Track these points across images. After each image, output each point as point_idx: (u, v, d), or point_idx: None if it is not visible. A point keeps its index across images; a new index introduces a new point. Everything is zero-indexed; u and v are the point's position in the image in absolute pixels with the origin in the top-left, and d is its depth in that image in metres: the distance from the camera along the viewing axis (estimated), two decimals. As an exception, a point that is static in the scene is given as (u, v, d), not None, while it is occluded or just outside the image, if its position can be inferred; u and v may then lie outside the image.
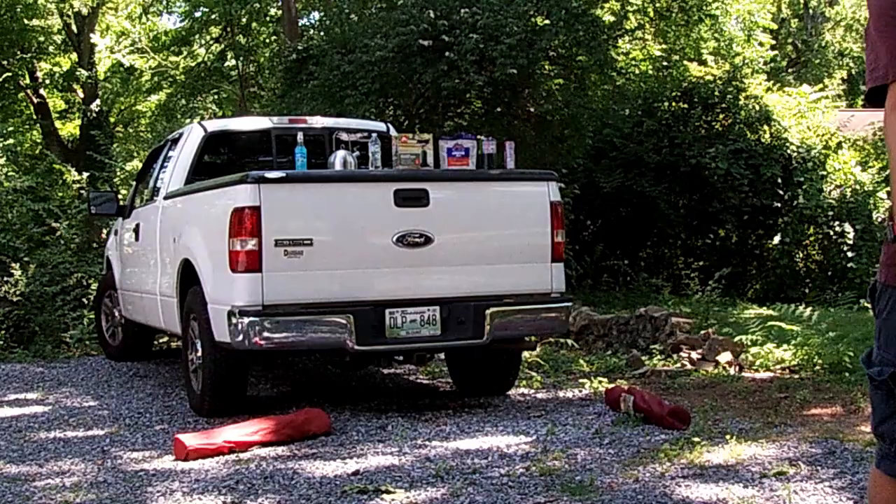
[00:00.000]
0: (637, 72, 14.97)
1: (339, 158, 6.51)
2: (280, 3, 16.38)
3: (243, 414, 6.40)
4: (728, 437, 5.39)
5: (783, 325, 8.17)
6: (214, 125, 8.11)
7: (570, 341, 8.96)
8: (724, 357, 7.65)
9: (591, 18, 12.12)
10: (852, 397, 6.15)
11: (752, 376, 7.24)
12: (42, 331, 10.29)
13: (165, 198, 7.52)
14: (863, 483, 4.46)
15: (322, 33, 14.37)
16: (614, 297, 11.46)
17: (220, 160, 8.54)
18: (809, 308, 9.38)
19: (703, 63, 15.68)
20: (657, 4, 14.64)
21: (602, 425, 5.78)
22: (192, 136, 7.69)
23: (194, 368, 6.58)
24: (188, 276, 6.61)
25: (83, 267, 11.18)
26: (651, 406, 5.68)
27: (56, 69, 22.17)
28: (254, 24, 18.48)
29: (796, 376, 7.04)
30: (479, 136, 6.85)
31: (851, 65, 28.10)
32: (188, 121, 13.04)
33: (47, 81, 21.85)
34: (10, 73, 19.71)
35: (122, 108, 22.41)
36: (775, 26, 22.39)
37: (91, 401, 7.32)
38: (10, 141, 15.78)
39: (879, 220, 12.95)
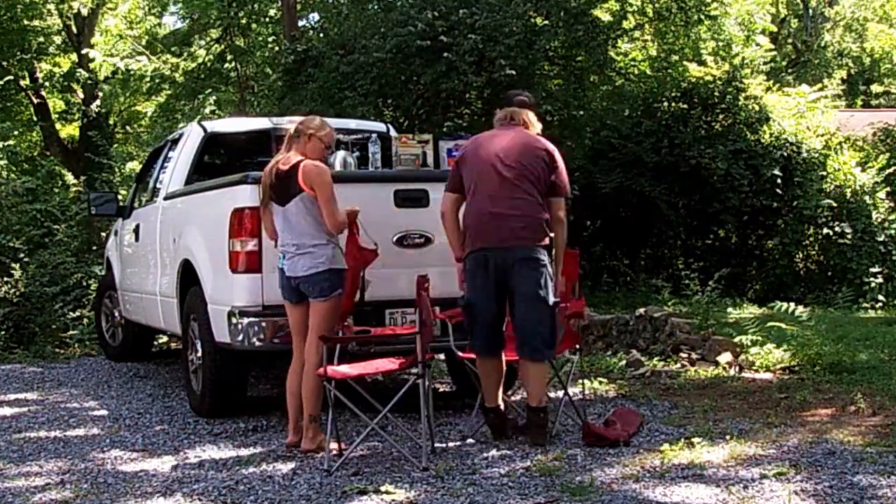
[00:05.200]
0: (636, 72, 14.97)
1: (339, 159, 6.51)
2: (280, 4, 16.37)
3: (243, 414, 6.42)
4: (728, 437, 5.40)
5: (783, 325, 8.17)
6: (214, 125, 8.11)
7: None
8: (724, 357, 7.65)
9: (590, 19, 12.12)
10: (852, 398, 6.15)
11: (751, 376, 7.24)
12: (42, 331, 10.30)
13: (165, 198, 7.52)
14: (863, 483, 4.47)
15: (321, 35, 14.37)
16: (614, 298, 11.46)
17: (220, 160, 8.54)
18: (809, 308, 9.38)
19: (702, 63, 15.67)
20: (656, 5, 14.63)
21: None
22: (191, 137, 7.69)
23: (194, 369, 6.59)
24: (188, 277, 6.62)
25: (83, 267, 11.18)
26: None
27: (56, 70, 22.16)
28: (253, 26, 18.48)
29: (796, 376, 7.03)
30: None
31: (851, 65, 28.10)
32: (185, 123, 13.03)
33: (47, 83, 21.84)
34: (11, 77, 19.70)
35: (122, 108, 22.41)
36: (775, 28, 22.39)
37: (91, 401, 7.32)
38: (11, 142, 15.77)
39: (879, 220, 12.95)
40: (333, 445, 5.22)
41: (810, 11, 27.74)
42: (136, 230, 8.24)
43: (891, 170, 13.46)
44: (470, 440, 5.61)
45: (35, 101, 21.53)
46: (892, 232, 12.90)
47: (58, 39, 21.64)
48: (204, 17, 18.38)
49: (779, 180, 12.53)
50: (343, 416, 6.14)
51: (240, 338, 5.82)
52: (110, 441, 5.89)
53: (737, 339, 7.83)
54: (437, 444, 5.43)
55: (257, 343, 5.79)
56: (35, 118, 21.97)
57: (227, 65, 17.66)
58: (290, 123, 7.78)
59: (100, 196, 9.38)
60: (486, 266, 5.40)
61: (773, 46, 21.22)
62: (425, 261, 6.04)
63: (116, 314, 9.29)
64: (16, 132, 20.57)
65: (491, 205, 5.41)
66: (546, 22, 11.89)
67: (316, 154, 5.47)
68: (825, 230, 12.67)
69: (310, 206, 5.29)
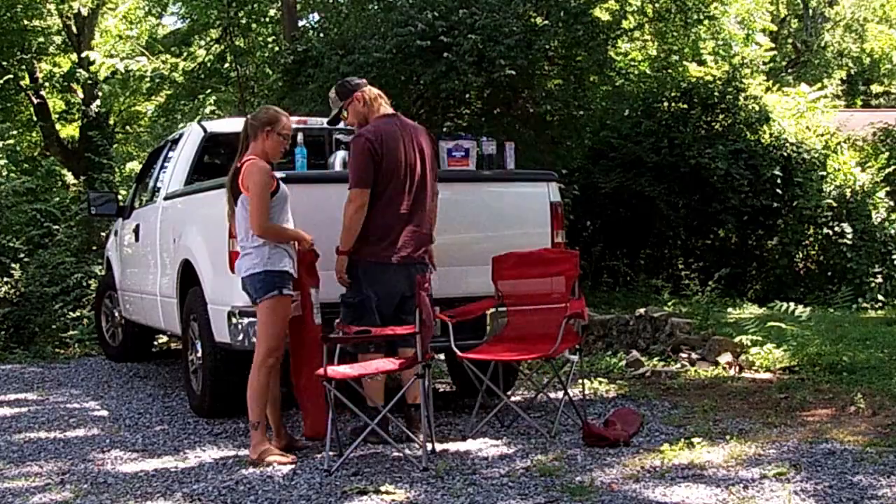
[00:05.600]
0: (636, 72, 14.97)
1: (338, 159, 6.51)
2: (280, 4, 16.37)
3: (243, 414, 6.41)
4: (728, 437, 5.40)
5: (783, 325, 8.17)
6: (214, 126, 8.11)
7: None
8: (724, 357, 7.65)
9: (590, 18, 12.11)
10: (852, 398, 6.15)
11: (752, 377, 7.24)
12: (42, 331, 10.30)
13: (165, 198, 7.52)
14: (863, 483, 4.47)
15: (321, 35, 14.36)
16: (614, 298, 11.46)
17: (220, 160, 8.54)
18: (809, 308, 9.38)
19: (702, 63, 15.67)
20: (656, 5, 14.63)
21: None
22: (191, 137, 7.69)
23: (194, 369, 6.59)
24: (188, 277, 6.62)
25: (83, 267, 11.18)
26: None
27: (56, 70, 22.15)
28: (253, 26, 18.47)
29: (796, 376, 7.04)
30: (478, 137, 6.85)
31: (851, 65, 28.09)
32: (185, 123, 13.04)
33: (47, 84, 21.83)
34: (10, 76, 19.70)
35: (122, 108, 22.41)
36: (775, 28, 22.38)
37: (91, 401, 7.32)
38: (10, 141, 15.77)
39: (879, 220, 12.95)
40: (334, 444, 5.21)
41: (810, 11, 27.74)
42: (136, 230, 8.24)
43: (890, 169, 13.47)
44: (470, 440, 5.61)
45: (35, 101, 21.51)
46: (892, 232, 12.91)
47: (58, 39, 21.61)
48: (203, 17, 18.37)
49: (779, 180, 12.53)
50: (343, 416, 6.14)
51: (240, 338, 5.82)
52: (110, 441, 5.89)
53: (737, 339, 7.83)
54: (437, 444, 5.42)
55: (257, 343, 5.79)
56: (35, 118, 21.95)
57: (226, 65, 17.64)
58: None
59: (100, 196, 9.37)
60: (409, 278, 5.49)
61: (773, 45, 21.22)
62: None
63: (116, 314, 9.29)
64: (15, 132, 20.56)
65: (424, 224, 5.60)
66: (546, 22, 11.88)
67: (276, 150, 5.45)
68: (825, 230, 12.67)
69: (248, 207, 5.28)
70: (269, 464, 5.14)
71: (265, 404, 5.32)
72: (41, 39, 20.90)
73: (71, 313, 10.61)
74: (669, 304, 9.97)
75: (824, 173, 12.97)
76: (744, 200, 12.38)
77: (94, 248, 12.06)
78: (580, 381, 6.51)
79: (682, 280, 10.62)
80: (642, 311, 8.87)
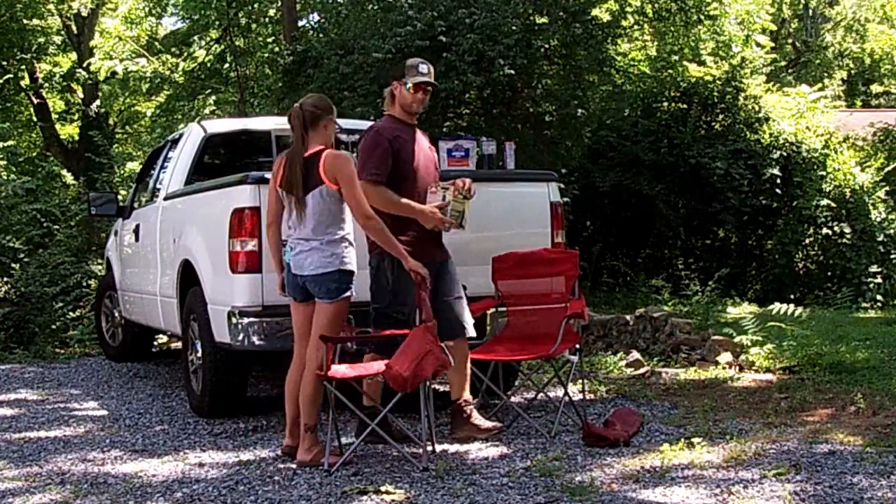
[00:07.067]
0: (636, 72, 14.96)
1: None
2: (280, 4, 16.37)
3: (243, 414, 6.42)
4: (728, 437, 5.40)
5: (783, 325, 8.17)
6: (214, 126, 8.11)
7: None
8: (724, 357, 7.65)
9: (589, 17, 12.12)
10: (852, 398, 6.15)
11: (752, 376, 7.24)
12: (42, 331, 10.30)
13: (165, 198, 7.52)
14: (863, 484, 4.47)
15: (320, 35, 14.36)
16: (614, 298, 11.45)
17: (220, 160, 8.54)
18: (809, 308, 9.38)
19: (701, 63, 15.66)
20: (656, 5, 14.63)
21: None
22: (192, 137, 7.69)
23: (194, 369, 6.59)
24: (188, 277, 6.62)
25: (83, 267, 11.19)
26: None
27: (56, 70, 22.16)
28: (253, 26, 18.47)
29: (796, 376, 7.04)
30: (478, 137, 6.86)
31: (851, 65, 28.09)
32: (185, 123, 13.05)
33: (47, 84, 21.83)
34: (10, 75, 19.71)
35: (122, 108, 22.42)
36: (775, 27, 22.39)
37: (91, 401, 7.33)
38: (11, 142, 15.79)
39: (878, 220, 12.95)
40: (335, 444, 5.21)
41: (810, 11, 27.73)
42: (136, 230, 8.24)
43: (889, 169, 13.46)
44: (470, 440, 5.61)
45: (35, 101, 21.52)
46: (892, 232, 12.90)
47: (58, 39, 21.63)
48: (203, 17, 18.38)
49: (778, 180, 12.53)
50: (343, 416, 6.14)
51: (240, 338, 5.82)
52: (110, 441, 5.89)
53: (737, 339, 7.83)
54: (437, 444, 5.42)
55: (257, 343, 5.79)
56: (35, 118, 21.97)
57: (226, 65, 17.65)
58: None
59: (100, 196, 9.38)
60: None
61: (773, 45, 21.20)
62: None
63: (116, 314, 9.29)
64: (16, 132, 20.58)
65: None
66: (545, 21, 11.88)
67: (331, 139, 5.20)
68: (824, 230, 12.66)
69: (328, 199, 5.01)
70: (322, 465, 5.00)
71: (319, 408, 5.18)
72: (41, 39, 20.92)
73: (71, 313, 10.62)
74: (669, 304, 9.96)
75: (824, 173, 12.96)
76: (744, 200, 12.38)
77: (94, 248, 12.06)
78: (580, 381, 6.51)
79: (682, 280, 10.62)
80: (642, 311, 8.87)
